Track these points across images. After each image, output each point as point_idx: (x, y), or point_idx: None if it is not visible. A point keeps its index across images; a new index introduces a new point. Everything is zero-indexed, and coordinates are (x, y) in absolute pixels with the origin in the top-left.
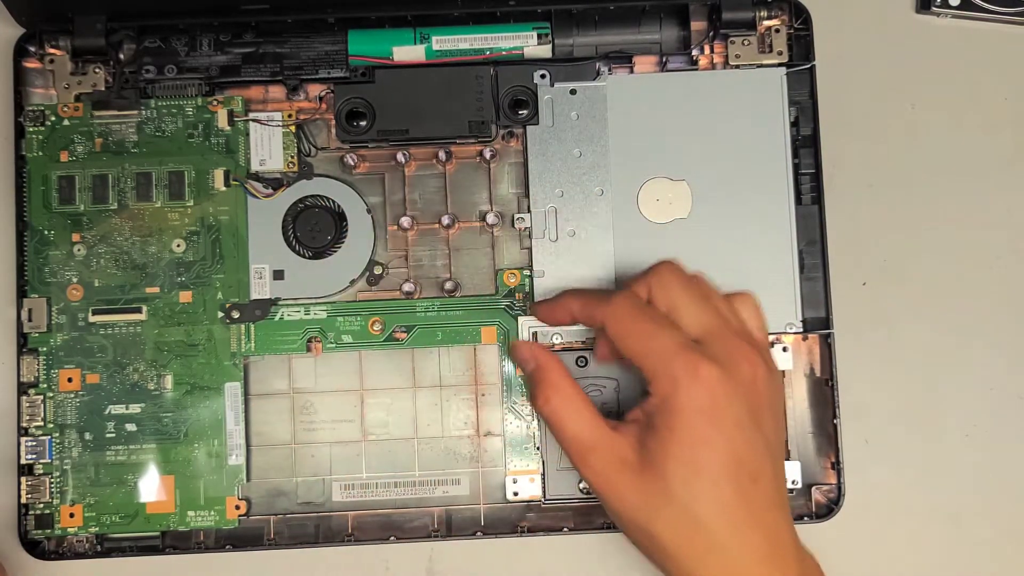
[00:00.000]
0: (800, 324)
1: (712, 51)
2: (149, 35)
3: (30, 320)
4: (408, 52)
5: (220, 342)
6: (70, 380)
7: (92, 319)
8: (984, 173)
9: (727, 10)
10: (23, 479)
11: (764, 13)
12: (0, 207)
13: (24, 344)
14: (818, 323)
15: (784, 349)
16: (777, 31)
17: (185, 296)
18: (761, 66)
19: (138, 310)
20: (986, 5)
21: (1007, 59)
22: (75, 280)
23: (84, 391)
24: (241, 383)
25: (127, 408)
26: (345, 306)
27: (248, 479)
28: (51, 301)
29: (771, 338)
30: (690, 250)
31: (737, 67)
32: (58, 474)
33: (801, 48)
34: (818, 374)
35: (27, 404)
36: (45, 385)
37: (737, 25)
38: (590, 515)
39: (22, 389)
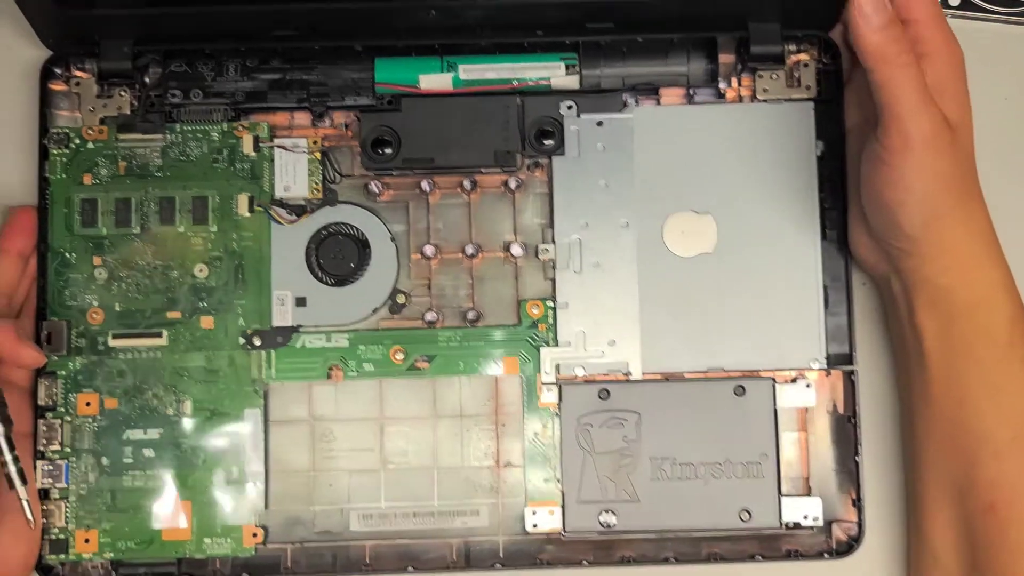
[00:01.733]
0: (824, 360)
1: (740, 84)
2: (175, 59)
3: (49, 343)
4: (435, 81)
5: (241, 368)
6: (88, 404)
7: (112, 343)
8: (984, 173)
9: (756, 44)
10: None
11: (793, 47)
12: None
13: (43, 367)
14: (842, 359)
15: (807, 386)
16: (806, 65)
17: (207, 322)
18: (789, 100)
19: (158, 335)
20: (986, 5)
21: (1007, 59)
22: (95, 304)
23: (102, 416)
24: (261, 410)
25: (145, 433)
26: (367, 334)
27: (266, 507)
28: (71, 324)
29: (793, 374)
30: (715, 284)
31: (765, 101)
32: (74, 499)
33: (829, 83)
34: (840, 411)
35: (44, 428)
36: (63, 409)
37: (766, 59)
38: (610, 549)
39: (40, 412)
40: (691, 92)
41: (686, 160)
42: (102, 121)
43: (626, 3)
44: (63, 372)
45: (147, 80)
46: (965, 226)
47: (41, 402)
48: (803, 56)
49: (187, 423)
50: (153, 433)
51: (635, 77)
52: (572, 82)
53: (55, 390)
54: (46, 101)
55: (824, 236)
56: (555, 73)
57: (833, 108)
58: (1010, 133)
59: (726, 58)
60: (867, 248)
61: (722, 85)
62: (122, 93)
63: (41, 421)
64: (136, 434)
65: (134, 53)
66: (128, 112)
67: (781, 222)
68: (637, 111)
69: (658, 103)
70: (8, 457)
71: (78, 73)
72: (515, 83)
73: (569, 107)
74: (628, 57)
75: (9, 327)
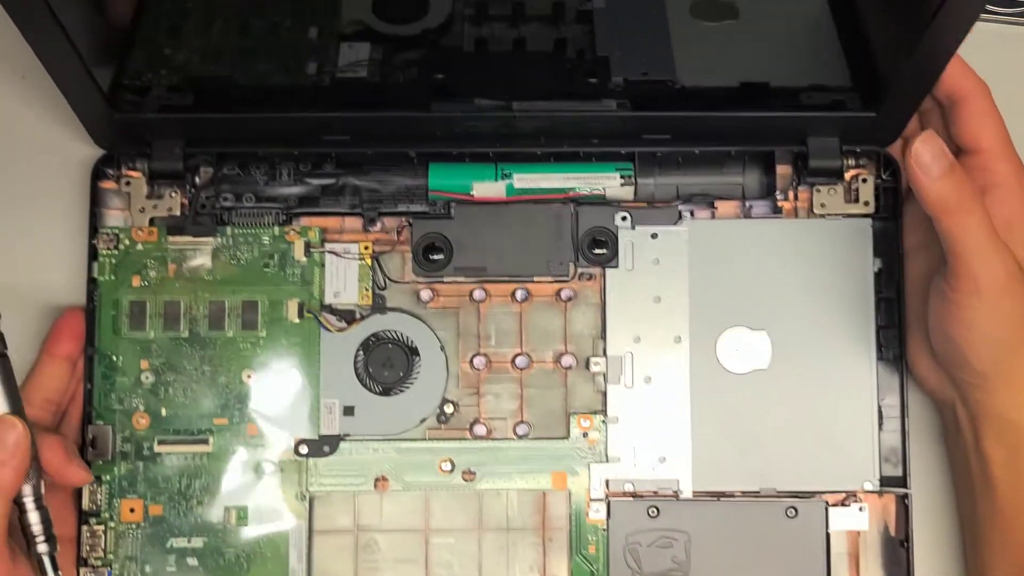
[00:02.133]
0: (877, 482)
1: (796, 198)
2: (228, 161)
3: (94, 448)
4: (488, 188)
5: (287, 477)
6: (132, 511)
7: (157, 449)
8: None
9: (814, 158)
10: None
11: (851, 162)
12: None
13: None
14: (895, 481)
15: (861, 509)
16: (864, 180)
17: (253, 429)
18: (847, 216)
19: (205, 441)
20: (986, 5)
21: (1007, 59)
22: (141, 408)
23: (146, 522)
24: (306, 520)
25: (189, 542)
26: (414, 445)
27: None
28: (116, 429)
29: (844, 497)
30: (768, 401)
31: (822, 216)
32: None
33: (888, 199)
34: (893, 534)
35: (88, 534)
36: (107, 515)
37: (824, 173)
38: None
39: (83, 518)
40: (747, 205)
41: (741, 274)
42: (152, 222)
43: (684, 117)
44: (107, 477)
45: (198, 181)
46: None
47: (85, 507)
48: (862, 171)
49: (232, 532)
50: (197, 541)
51: (690, 187)
52: (627, 192)
53: (99, 496)
54: (96, 200)
55: (880, 355)
56: (610, 183)
57: (891, 225)
58: (1010, 133)
59: (783, 169)
60: (929, 371)
61: (779, 198)
62: (172, 194)
63: (84, 527)
64: (180, 542)
65: (185, 154)
66: (178, 213)
67: (836, 340)
68: (692, 224)
69: (713, 216)
70: None
71: (129, 172)
72: (569, 192)
73: (623, 218)
74: (683, 167)
75: (59, 444)
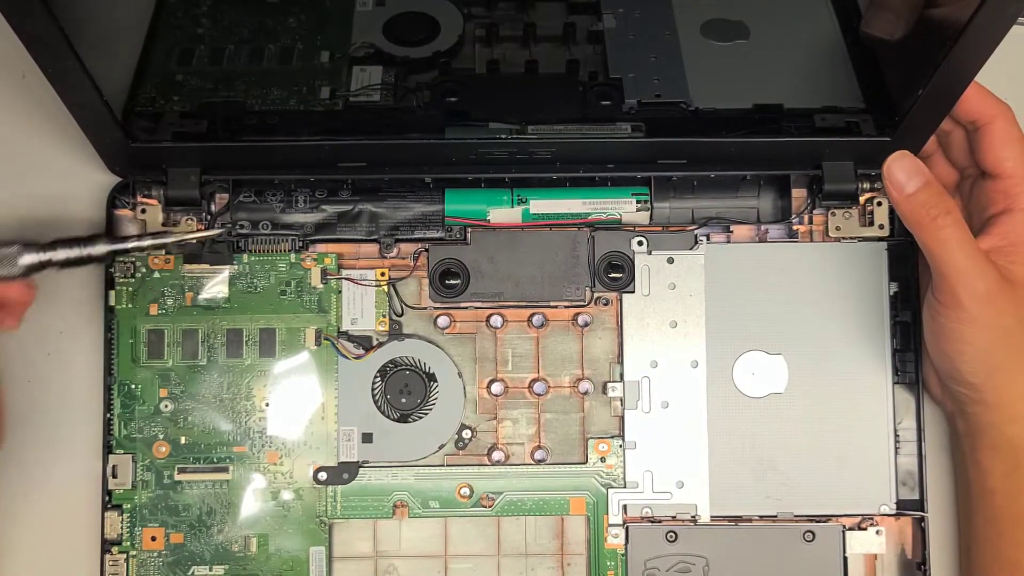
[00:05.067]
0: (894, 505)
1: (811, 221)
2: (243, 188)
3: (114, 476)
4: (504, 214)
5: (306, 504)
6: (154, 539)
7: (178, 477)
8: None
9: (830, 182)
10: None
11: (866, 185)
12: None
13: (108, 500)
14: (912, 505)
15: (878, 532)
16: (879, 204)
17: (272, 456)
18: (863, 239)
19: (224, 469)
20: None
21: (1008, 59)
22: (161, 436)
23: (167, 550)
24: (326, 546)
25: (210, 569)
26: (433, 471)
27: None
28: (136, 457)
29: (861, 521)
30: (785, 425)
31: (838, 240)
32: None
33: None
34: (910, 557)
35: (110, 562)
36: (128, 543)
37: (839, 196)
38: None
39: (106, 547)
40: (762, 228)
41: (757, 298)
42: (168, 250)
43: (699, 143)
44: (128, 506)
45: (214, 208)
46: None
47: (107, 536)
48: (877, 194)
49: (252, 559)
50: (219, 569)
51: (705, 211)
52: (643, 217)
53: (121, 524)
54: (112, 227)
55: (896, 379)
56: (625, 208)
57: (906, 248)
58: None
59: (798, 193)
60: (935, 386)
61: (794, 221)
62: (189, 221)
63: (107, 556)
64: (201, 570)
65: (201, 181)
66: (194, 241)
67: (852, 363)
68: (708, 248)
69: (728, 240)
70: None
71: (144, 200)
72: (585, 217)
73: (640, 243)
74: (699, 191)
75: None
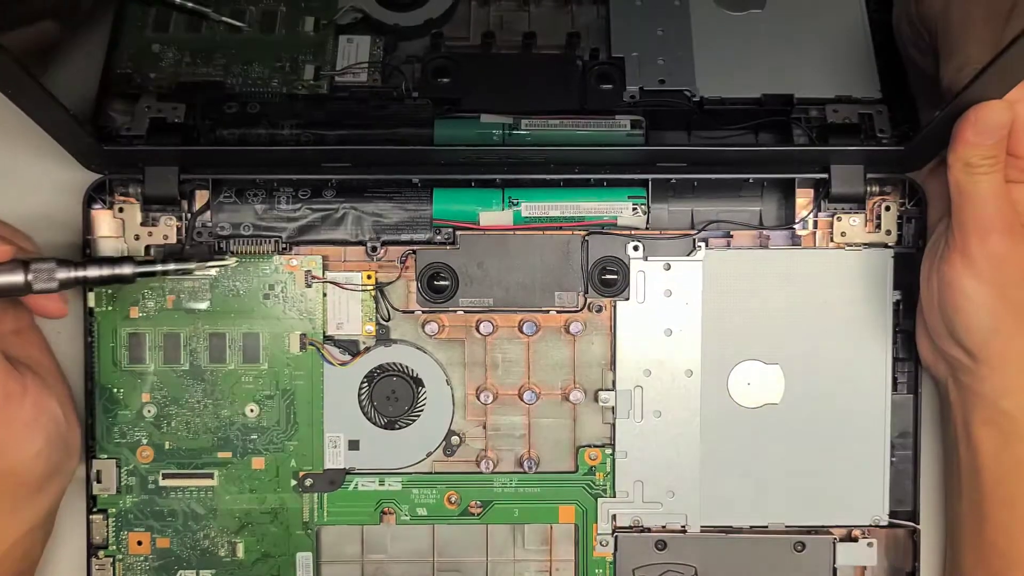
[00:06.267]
0: (886, 517)
1: (815, 226)
2: (224, 187)
3: (99, 482)
4: (495, 217)
5: (292, 511)
6: (140, 544)
7: (163, 483)
8: None
9: (837, 185)
10: None
11: (875, 188)
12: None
13: (93, 505)
14: (904, 516)
15: (869, 544)
16: (887, 208)
17: (258, 462)
18: (868, 247)
19: (209, 475)
20: None
21: None
22: (145, 442)
23: (154, 555)
24: (312, 553)
25: (197, 574)
26: (420, 478)
27: None
28: (120, 462)
29: (852, 532)
30: (778, 436)
31: (842, 248)
32: None
33: (912, 229)
34: (901, 568)
35: (97, 567)
36: (114, 548)
37: (846, 200)
38: None
39: (92, 551)
40: (764, 234)
41: (756, 306)
42: (147, 250)
43: (702, 148)
44: (114, 511)
45: (194, 207)
46: None
47: (93, 541)
48: (885, 197)
49: (239, 564)
50: (205, 574)
51: (705, 213)
52: (639, 221)
53: (107, 529)
54: (89, 227)
55: (895, 389)
56: (621, 211)
57: (913, 256)
58: None
59: (803, 193)
60: (927, 350)
61: (798, 226)
62: (168, 220)
63: (94, 560)
64: (188, 574)
65: (180, 179)
66: (174, 240)
67: (850, 374)
68: (707, 254)
69: (729, 245)
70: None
71: (122, 199)
72: (579, 221)
73: (635, 248)
74: (698, 193)
75: None
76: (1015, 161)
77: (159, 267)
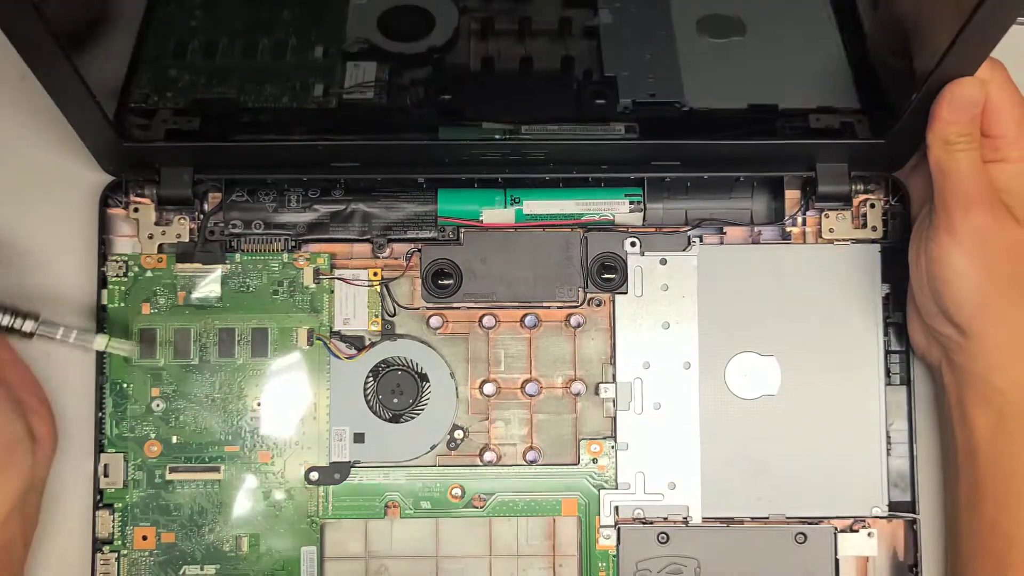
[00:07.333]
0: (886, 507)
1: (804, 223)
2: (236, 188)
3: (106, 476)
4: (497, 215)
5: (298, 504)
6: (145, 538)
7: (169, 476)
8: None
9: (823, 183)
10: None
11: (860, 187)
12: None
13: (100, 499)
14: (904, 507)
15: (870, 534)
16: (872, 205)
17: (264, 456)
18: (856, 242)
19: (216, 469)
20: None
21: (1008, 60)
22: (153, 436)
23: (159, 550)
24: (317, 546)
25: (202, 569)
26: (424, 471)
27: None
28: (128, 456)
29: (853, 523)
30: (777, 427)
31: (831, 242)
32: None
33: (897, 225)
34: (902, 559)
35: (101, 561)
36: (120, 542)
37: (833, 198)
38: None
39: (97, 546)
40: (756, 230)
41: (750, 300)
42: (160, 249)
43: (693, 145)
44: (120, 505)
45: (207, 208)
46: (1021, 325)
47: (98, 535)
48: (870, 196)
49: (243, 558)
50: (210, 568)
51: (699, 212)
52: (635, 219)
53: (112, 523)
54: (104, 227)
55: (888, 380)
56: (619, 209)
57: (899, 251)
58: None
59: (792, 194)
60: (919, 334)
61: (787, 223)
62: (181, 220)
63: (99, 555)
64: (192, 569)
65: (194, 180)
66: (187, 239)
67: (844, 365)
68: (701, 249)
69: (722, 241)
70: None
71: (137, 199)
72: (578, 218)
73: (632, 244)
74: (692, 192)
75: None
76: (988, 141)
77: (60, 333)
